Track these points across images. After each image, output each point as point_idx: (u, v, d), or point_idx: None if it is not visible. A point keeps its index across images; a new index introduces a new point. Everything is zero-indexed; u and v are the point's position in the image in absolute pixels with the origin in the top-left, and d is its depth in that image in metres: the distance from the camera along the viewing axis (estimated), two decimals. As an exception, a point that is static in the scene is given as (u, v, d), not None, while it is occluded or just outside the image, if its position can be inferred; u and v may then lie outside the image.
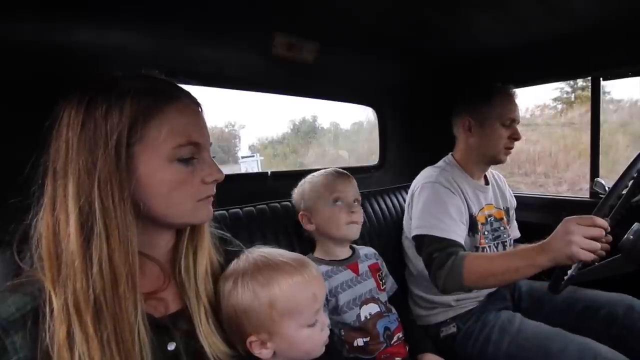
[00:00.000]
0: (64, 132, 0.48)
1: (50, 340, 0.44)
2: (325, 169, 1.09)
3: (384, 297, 1.01)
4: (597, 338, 0.91)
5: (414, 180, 1.24)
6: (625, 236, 0.80)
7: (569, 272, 0.87)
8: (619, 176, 0.85)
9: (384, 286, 1.04)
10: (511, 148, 1.19)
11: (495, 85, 1.20)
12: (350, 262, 1.01)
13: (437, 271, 0.98)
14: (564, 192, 4.39)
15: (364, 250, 1.08)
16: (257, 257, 0.62)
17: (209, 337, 0.57)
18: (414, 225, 1.10)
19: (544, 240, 0.85)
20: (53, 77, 0.78)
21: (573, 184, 4.37)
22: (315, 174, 1.08)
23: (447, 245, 1.00)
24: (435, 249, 1.01)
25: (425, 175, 1.19)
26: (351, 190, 1.03)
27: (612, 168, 3.28)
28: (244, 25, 0.97)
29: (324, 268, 0.96)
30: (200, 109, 0.56)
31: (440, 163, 1.26)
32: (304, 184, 1.06)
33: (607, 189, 1.26)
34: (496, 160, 1.20)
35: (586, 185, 1.45)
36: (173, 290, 0.59)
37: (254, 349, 0.58)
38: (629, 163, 0.87)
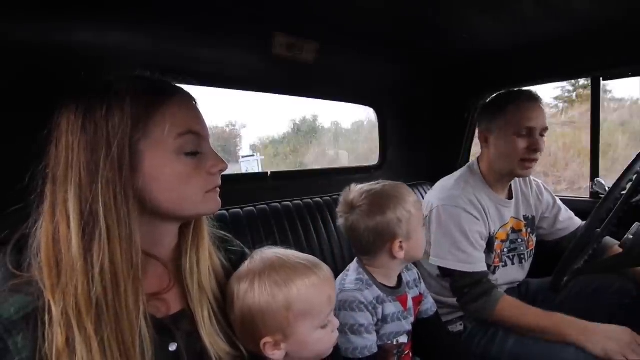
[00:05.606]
0: (63, 137, 0.48)
1: (49, 346, 0.44)
2: (328, 169, 1.07)
3: (410, 325, 0.90)
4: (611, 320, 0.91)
5: (433, 191, 1.19)
6: (626, 236, 0.81)
7: (569, 271, 0.88)
8: (618, 176, 0.86)
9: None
10: (531, 161, 1.06)
11: (514, 90, 1.13)
12: (400, 294, 0.88)
13: (469, 304, 1.03)
14: (562, 190, 4.40)
15: (408, 276, 0.93)
16: (272, 257, 0.61)
17: (211, 337, 0.56)
18: (434, 252, 1.07)
19: (590, 325, 0.87)
20: (53, 77, 0.78)
21: (572, 183, 4.38)
22: (386, 188, 0.88)
23: (477, 281, 1.03)
24: (466, 284, 1.04)
25: (447, 193, 1.11)
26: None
27: (611, 167, 3.29)
28: (244, 26, 0.97)
29: (377, 291, 0.83)
30: (195, 102, 0.57)
31: (465, 171, 1.19)
32: (404, 205, 0.84)
33: (607, 189, 1.26)
34: (514, 175, 1.12)
35: (585, 184, 1.45)
36: (175, 291, 0.59)
37: (268, 350, 0.58)
38: (628, 162, 0.88)
